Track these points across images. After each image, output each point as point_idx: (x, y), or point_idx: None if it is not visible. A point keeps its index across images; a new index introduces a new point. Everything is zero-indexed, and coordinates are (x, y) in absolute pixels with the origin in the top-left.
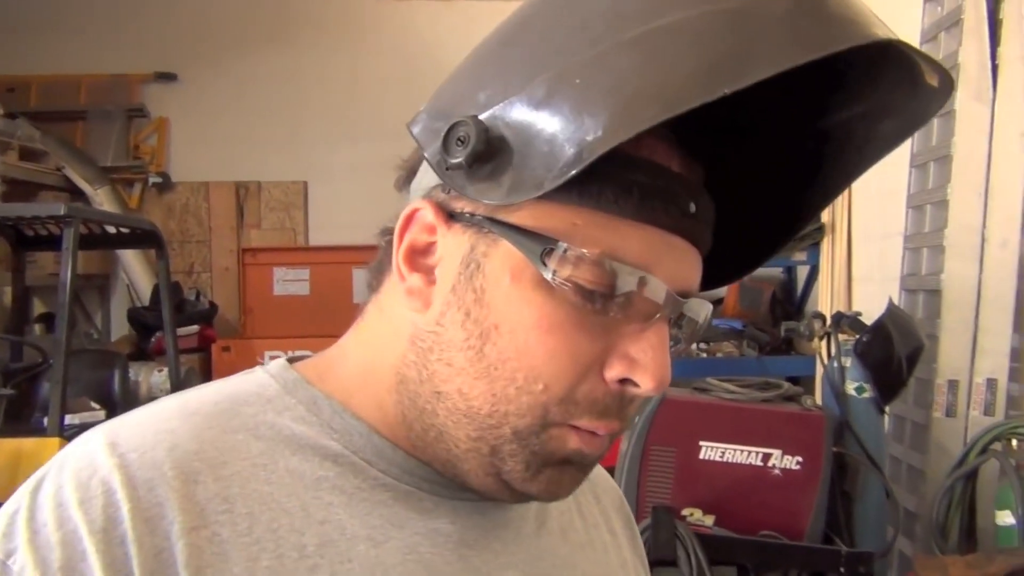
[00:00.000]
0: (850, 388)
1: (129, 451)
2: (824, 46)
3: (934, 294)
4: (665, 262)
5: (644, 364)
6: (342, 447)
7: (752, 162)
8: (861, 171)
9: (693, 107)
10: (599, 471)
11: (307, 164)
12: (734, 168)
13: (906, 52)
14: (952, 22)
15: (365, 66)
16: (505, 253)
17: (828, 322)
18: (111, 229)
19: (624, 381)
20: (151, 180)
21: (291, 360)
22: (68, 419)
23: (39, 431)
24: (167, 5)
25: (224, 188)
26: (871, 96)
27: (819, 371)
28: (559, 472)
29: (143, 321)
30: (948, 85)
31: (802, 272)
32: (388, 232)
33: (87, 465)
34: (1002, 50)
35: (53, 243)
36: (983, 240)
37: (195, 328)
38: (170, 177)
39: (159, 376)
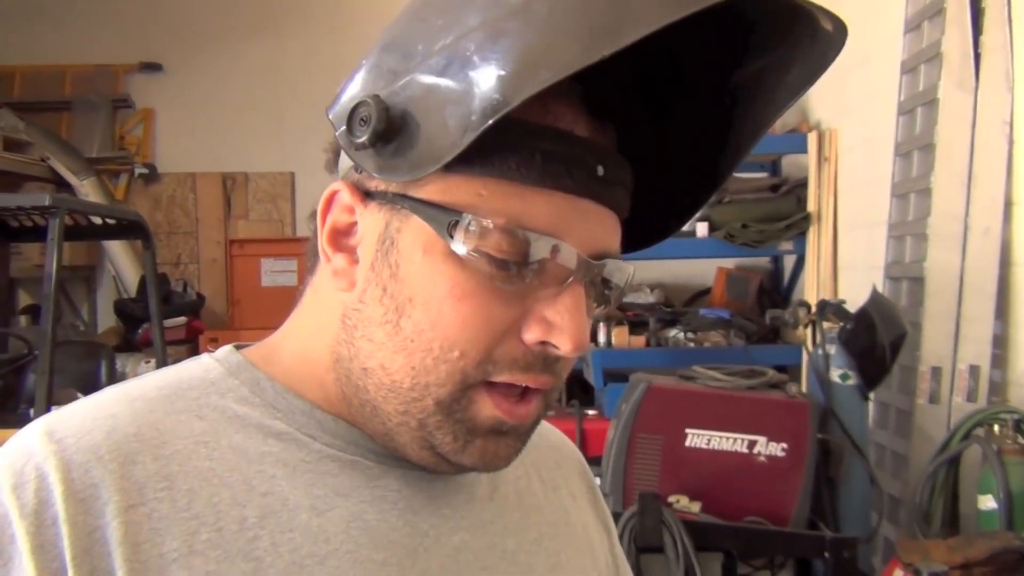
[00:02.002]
0: (834, 375)
1: (66, 437)
2: (696, 2)
3: (917, 282)
4: (575, 227)
5: (560, 327)
6: (286, 425)
7: (669, 122)
8: (771, 121)
9: (574, 72)
10: (561, 438)
11: (294, 155)
12: (652, 129)
13: (798, 3)
14: (935, 11)
15: (351, 55)
16: (416, 228)
17: (813, 310)
18: (97, 220)
19: (543, 344)
20: (137, 171)
21: (238, 347)
22: (54, 411)
23: (25, 422)
24: None
25: (211, 179)
26: (777, 47)
27: (805, 359)
28: (493, 443)
29: (130, 312)
30: (842, 31)
31: (789, 261)
32: (316, 215)
33: (23, 454)
34: (984, 39)
35: (38, 234)
36: (966, 228)
37: (182, 319)
38: (156, 168)
39: (146, 367)
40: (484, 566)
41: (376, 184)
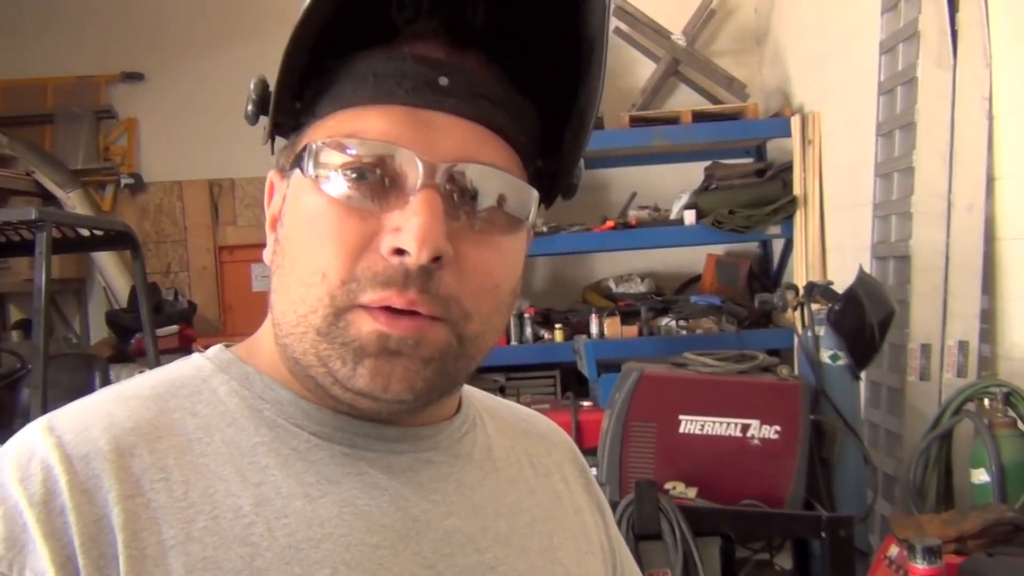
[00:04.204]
0: (825, 356)
1: (66, 432)
2: None
3: (904, 260)
4: (418, 136)
5: (406, 228)
6: (275, 415)
7: (549, 71)
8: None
9: None
10: (551, 426)
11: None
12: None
13: None
14: None
15: None
16: (296, 180)
17: (801, 292)
18: (84, 232)
19: (399, 252)
20: (123, 181)
21: (227, 345)
22: None
23: None
24: (130, 5)
25: (197, 186)
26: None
27: (797, 342)
28: (386, 363)
29: (121, 323)
30: None
31: (778, 245)
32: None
33: (26, 449)
34: (960, 16)
35: (26, 248)
36: (949, 205)
37: (175, 328)
38: (142, 177)
39: None
40: (477, 548)
41: (284, 161)
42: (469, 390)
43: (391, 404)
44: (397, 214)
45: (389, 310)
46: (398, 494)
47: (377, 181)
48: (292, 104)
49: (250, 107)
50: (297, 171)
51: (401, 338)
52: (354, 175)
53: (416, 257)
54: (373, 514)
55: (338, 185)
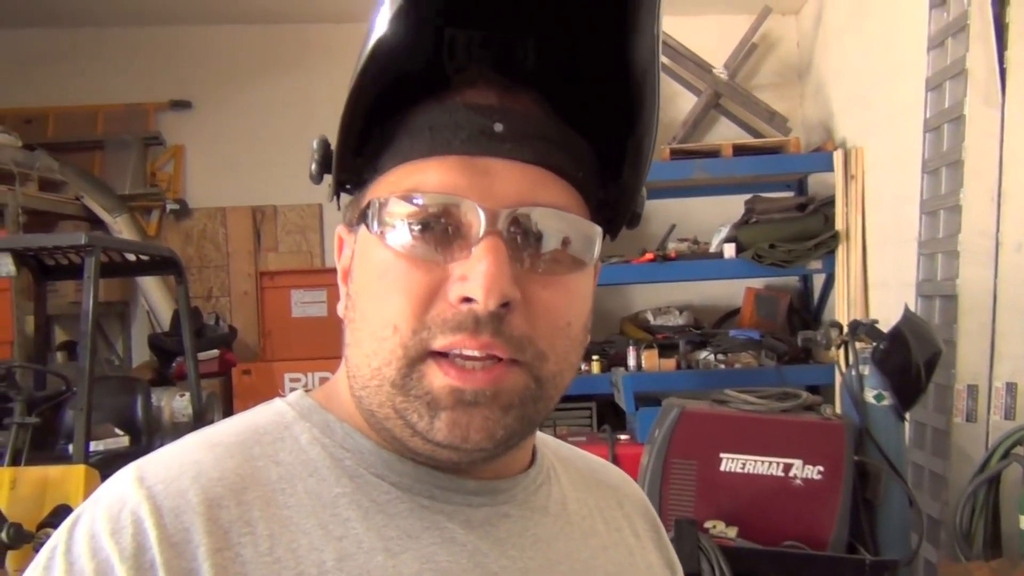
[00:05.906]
0: (869, 396)
1: (156, 483)
2: None
3: (950, 299)
4: (476, 184)
5: (472, 276)
6: (355, 464)
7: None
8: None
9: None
10: (623, 477)
11: (321, 187)
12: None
13: None
14: (959, 28)
15: None
16: (363, 236)
17: (845, 330)
18: (131, 257)
19: (466, 300)
20: (168, 207)
21: (307, 391)
22: (92, 446)
23: (64, 458)
24: (180, 34)
25: (241, 213)
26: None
27: (838, 380)
28: (463, 414)
29: (163, 347)
30: None
31: (818, 281)
32: None
33: (117, 499)
34: (1009, 54)
35: (74, 272)
36: (997, 244)
37: (215, 352)
38: (187, 203)
39: (181, 401)
40: None
41: (351, 216)
42: (542, 437)
43: (472, 453)
44: (462, 263)
45: (461, 362)
46: (476, 549)
47: (441, 232)
48: (354, 161)
49: (314, 167)
50: (363, 227)
51: (477, 391)
52: (418, 228)
53: (484, 304)
54: (453, 571)
55: (402, 238)
